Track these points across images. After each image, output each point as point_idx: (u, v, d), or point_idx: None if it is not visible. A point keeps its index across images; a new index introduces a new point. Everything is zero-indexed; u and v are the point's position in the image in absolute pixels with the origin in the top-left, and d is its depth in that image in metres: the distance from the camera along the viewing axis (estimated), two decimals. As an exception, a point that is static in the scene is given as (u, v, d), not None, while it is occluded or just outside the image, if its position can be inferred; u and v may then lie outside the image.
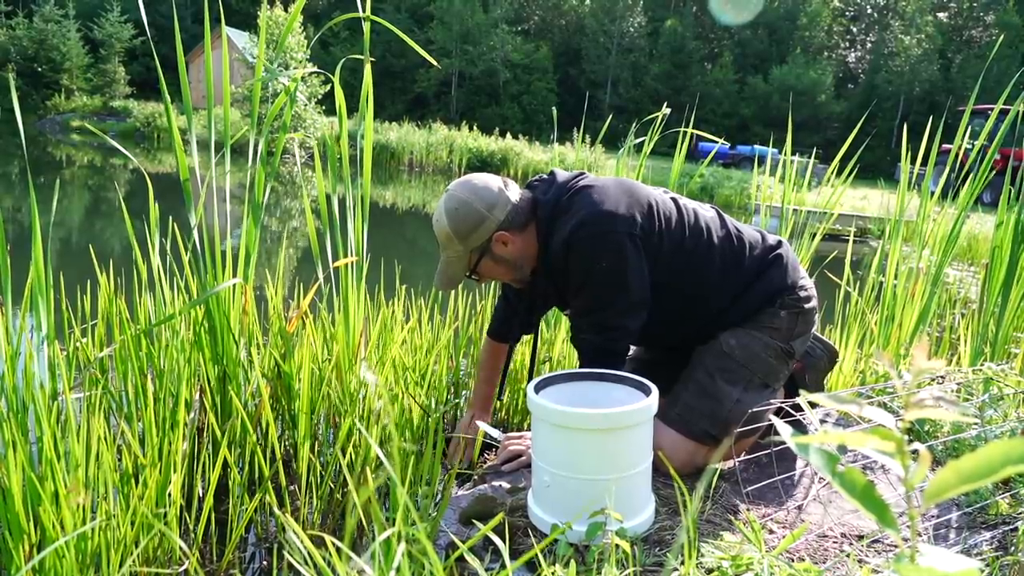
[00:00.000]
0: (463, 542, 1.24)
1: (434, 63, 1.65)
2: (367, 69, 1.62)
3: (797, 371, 1.72)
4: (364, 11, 1.62)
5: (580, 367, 1.52)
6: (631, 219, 1.45)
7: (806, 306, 1.60)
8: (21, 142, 1.38)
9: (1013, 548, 1.25)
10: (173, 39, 1.56)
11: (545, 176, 1.59)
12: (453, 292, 2.15)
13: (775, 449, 1.61)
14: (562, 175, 1.57)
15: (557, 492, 1.25)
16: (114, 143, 1.75)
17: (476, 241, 1.50)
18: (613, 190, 1.49)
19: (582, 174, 1.57)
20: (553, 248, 1.48)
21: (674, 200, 1.57)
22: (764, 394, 1.56)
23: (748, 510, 1.37)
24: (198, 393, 1.60)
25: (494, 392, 1.82)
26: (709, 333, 1.58)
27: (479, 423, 1.67)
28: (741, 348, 1.55)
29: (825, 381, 1.89)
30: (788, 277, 1.60)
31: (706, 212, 1.61)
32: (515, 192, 1.52)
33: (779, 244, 1.63)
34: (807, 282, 1.64)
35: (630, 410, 1.21)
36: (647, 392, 1.30)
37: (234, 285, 1.60)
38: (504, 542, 1.22)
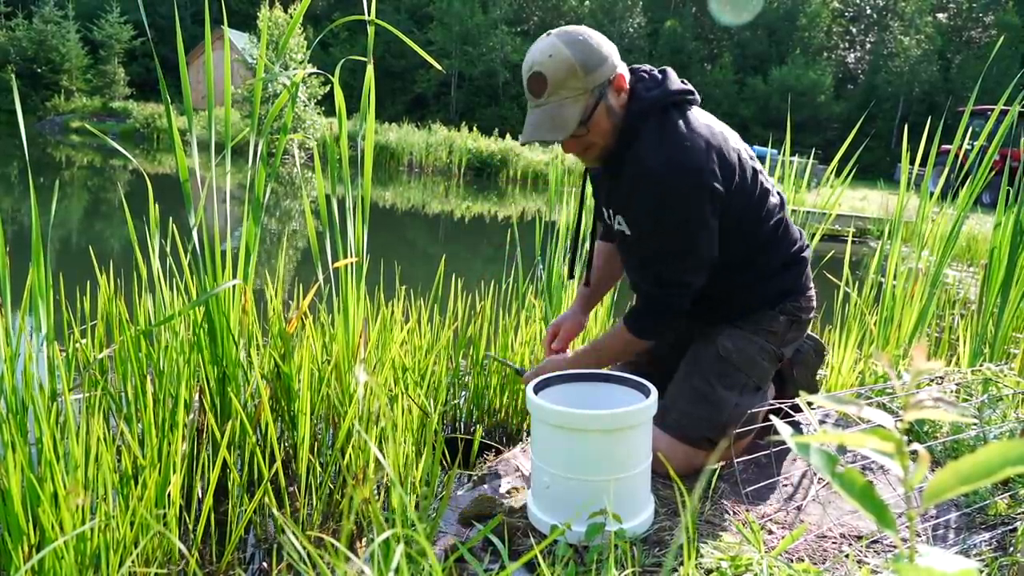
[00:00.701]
0: (462, 543, 1.24)
1: (436, 65, 1.65)
2: (369, 71, 1.62)
3: (785, 367, 1.72)
4: (367, 13, 1.62)
5: (634, 314, 1.50)
6: (717, 175, 1.39)
7: (804, 316, 1.61)
8: (22, 143, 1.38)
9: (1012, 549, 1.25)
10: (172, 40, 1.56)
11: (655, 70, 1.48)
12: (452, 293, 2.15)
13: (774, 450, 1.61)
14: (674, 81, 1.46)
15: (556, 493, 1.25)
16: (114, 144, 1.75)
17: (600, 77, 1.37)
18: (710, 134, 1.42)
19: (691, 92, 1.47)
20: (630, 154, 1.41)
21: (753, 169, 1.52)
22: (757, 396, 1.57)
23: (747, 511, 1.37)
24: (197, 394, 1.60)
25: (595, 293, 1.81)
26: (715, 309, 1.57)
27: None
28: (738, 352, 1.54)
29: (817, 377, 1.89)
30: (801, 282, 1.60)
31: (773, 197, 1.56)
32: None
33: (807, 247, 1.64)
34: (812, 294, 1.65)
35: (630, 411, 1.21)
36: (647, 393, 1.30)
37: (234, 286, 1.60)
38: (503, 543, 1.22)
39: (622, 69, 1.42)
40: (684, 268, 1.44)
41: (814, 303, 1.65)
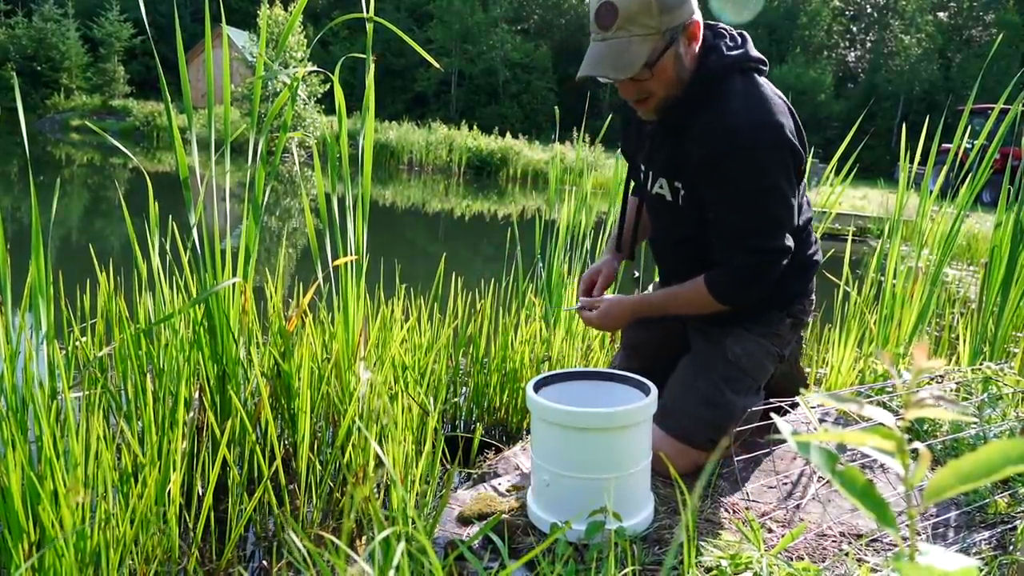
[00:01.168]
0: (462, 541, 1.24)
1: (436, 65, 1.64)
2: (369, 70, 1.62)
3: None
4: (367, 12, 1.62)
5: (722, 280, 1.41)
6: (796, 143, 1.34)
7: (806, 319, 1.62)
8: (23, 140, 1.38)
9: (1012, 547, 1.25)
10: (172, 38, 1.56)
11: (735, 32, 1.41)
12: (452, 291, 2.15)
13: (774, 448, 1.61)
14: (752, 47, 1.39)
15: (556, 491, 1.24)
16: (115, 142, 1.74)
17: (675, 20, 1.28)
18: (787, 108, 1.36)
19: (766, 62, 1.41)
20: (708, 114, 1.33)
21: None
22: (758, 396, 1.58)
23: (747, 509, 1.37)
24: (197, 392, 1.60)
25: (626, 242, 1.71)
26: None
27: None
28: (747, 356, 1.53)
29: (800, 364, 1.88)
30: (809, 286, 1.60)
31: (805, 195, 1.53)
32: None
33: (819, 251, 1.62)
34: (813, 297, 1.64)
35: (630, 409, 1.21)
36: (646, 391, 1.30)
37: (234, 284, 1.60)
38: (503, 541, 1.22)
39: (699, 18, 1.33)
40: (780, 233, 1.35)
41: (814, 304, 1.65)
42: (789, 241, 1.38)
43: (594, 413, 1.19)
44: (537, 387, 1.32)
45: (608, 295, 1.62)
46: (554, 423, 1.22)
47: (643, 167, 1.53)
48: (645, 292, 1.62)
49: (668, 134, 1.43)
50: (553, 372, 1.39)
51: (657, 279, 1.77)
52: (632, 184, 1.70)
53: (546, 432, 1.25)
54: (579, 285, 1.68)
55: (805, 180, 1.49)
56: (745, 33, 1.42)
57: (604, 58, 1.29)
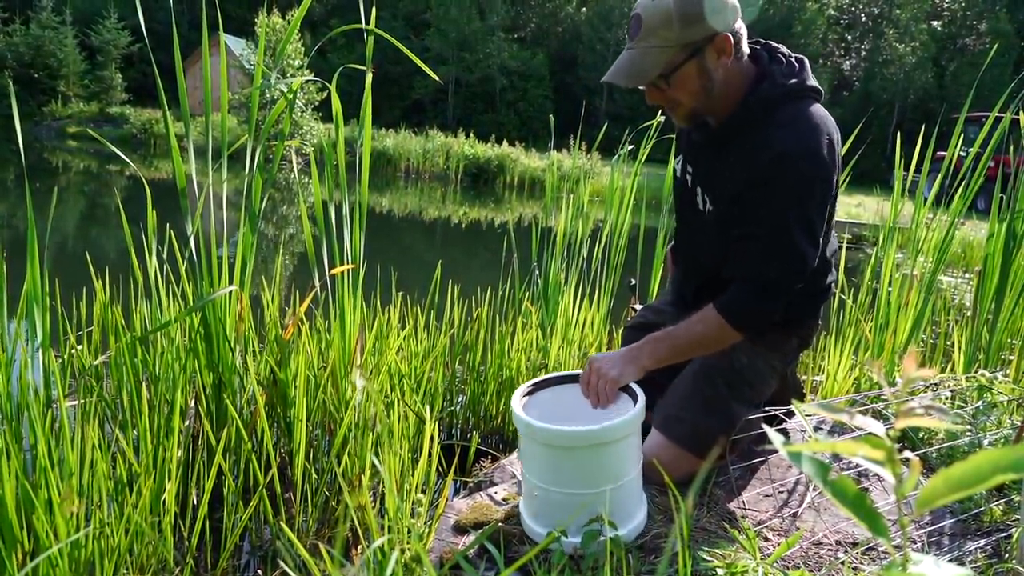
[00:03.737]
0: (458, 550, 1.23)
1: (435, 77, 1.65)
2: (368, 81, 1.62)
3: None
4: (366, 21, 1.63)
5: (739, 303, 1.39)
6: (835, 181, 1.40)
7: (810, 340, 1.64)
8: (19, 147, 1.38)
9: (1007, 555, 1.26)
10: (169, 45, 1.57)
11: (793, 56, 1.42)
12: (448, 299, 2.15)
13: (770, 456, 1.61)
14: (810, 74, 1.40)
15: (547, 505, 1.23)
16: (114, 148, 1.74)
17: (697, 34, 1.29)
18: (833, 140, 1.39)
19: (820, 92, 1.42)
20: (760, 135, 1.34)
21: None
22: (755, 409, 1.59)
23: (743, 517, 1.37)
24: (193, 400, 1.59)
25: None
26: None
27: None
28: (752, 368, 1.54)
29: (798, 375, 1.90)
30: (818, 311, 1.62)
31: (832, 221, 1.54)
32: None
33: (835, 280, 1.64)
34: (820, 321, 1.66)
35: (616, 424, 1.18)
36: (634, 397, 1.28)
37: (230, 292, 1.60)
38: (499, 550, 1.22)
39: (739, 31, 1.33)
40: (801, 266, 1.36)
41: (820, 327, 1.67)
42: (805, 274, 1.38)
43: (578, 432, 1.16)
44: (527, 393, 1.30)
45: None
46: (540, 442, 1.20)
47: (690, 168, 1.55)
48: (651, 335, 1.49)
49: (713, 149, 1.46)
50: (541, 378, 1.37)
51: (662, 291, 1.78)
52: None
53: (533, 450, 1.22)
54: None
55: (835, 212, 1.50)
56: (804, 59, 1.43)
57: (622, 67, 1.32)
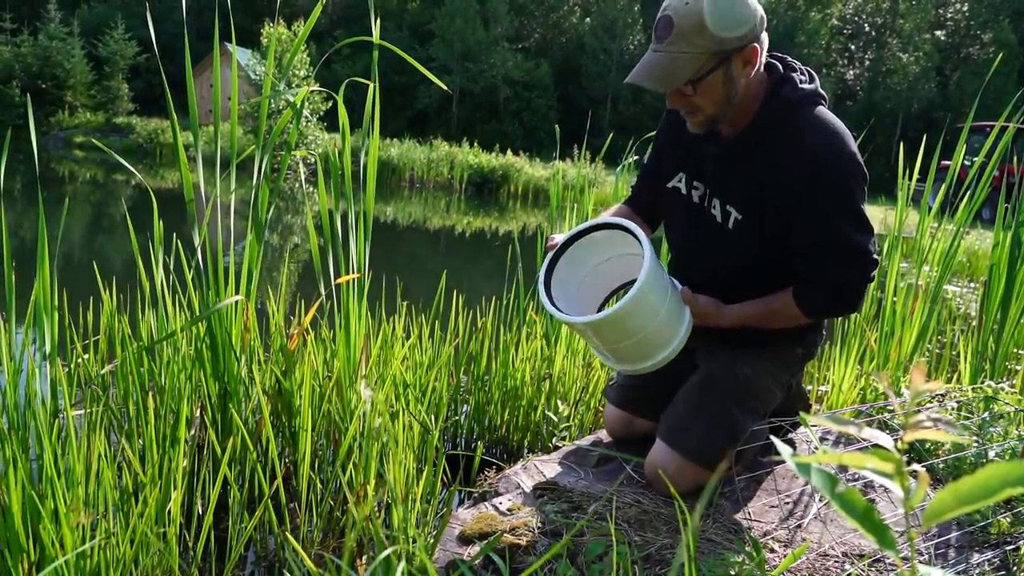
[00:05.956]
0: (463, 561, 1.23)
1: (442, 85, 1.66)
2: (374, 92, 1.63)
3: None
4: (373, 34, 1.64)
5: (817, 296, 1.44)
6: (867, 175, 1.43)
7: (815, 351, 1.64)
8: (29, 157, 1.40)
9: (1015, 568, 1.25)
10: (175, 56, 1.58)
11: (804, 68, 1.46)
12: (453, 308, 2.16)
13: (775, 467, 1.61)
14: (819, 83, 1.45)
15: (622, 353, 1.44)
16: (120, 159, 1.76)
17: (728, 43, 1.30)
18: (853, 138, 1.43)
19: (827, 99, 1.47)
20: (789, 144, 1.37)
21: None
22: (759, 421, 1.58)
23: (749, 529, 1.36)
24: (199, 410, 1.60)
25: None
26: (744, 334, 1.54)
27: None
28: (755, 379, 1.53)
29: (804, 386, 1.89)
30: (823, 321, 1.62)
31: None
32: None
33: None
34: (824, 332, 1.66)
35: (635, 298, 1.31)
36: (638, 238, 1.38)
37: (236, 302, 1.61)
38: (504, 561, 1.22)
39: (761, 42, 1.35)
40: (870, 248, 1.39)
41: (824, 338, 1.67)
42: (871, 265, 1.42)
43: (600, 319, 1.35)
44: (546, 282, 1.47)
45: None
46: (578, 330, 1.43)
47: (699, 184, 1.53)
48: (745, 303, 1.53)
49: (736, 159, 1.45)
50: (552, 255, 1.50)
51: None
52: (638, 191, 1.70)
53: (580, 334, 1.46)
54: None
55: None
56: (812, 71, 1.47)
57: (652, 69, 1.33)
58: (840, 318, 2.45)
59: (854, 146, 1.39)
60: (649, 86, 1.34)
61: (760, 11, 1.33)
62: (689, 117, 1.42)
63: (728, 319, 1.49)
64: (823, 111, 1.41)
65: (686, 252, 1.60)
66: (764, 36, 1.35)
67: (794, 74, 1.42)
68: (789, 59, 1.46)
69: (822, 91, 1.44)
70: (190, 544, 1.40)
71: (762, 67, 1.40)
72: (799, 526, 1.39)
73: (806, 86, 1.41)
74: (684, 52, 1.30)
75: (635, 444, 1.69)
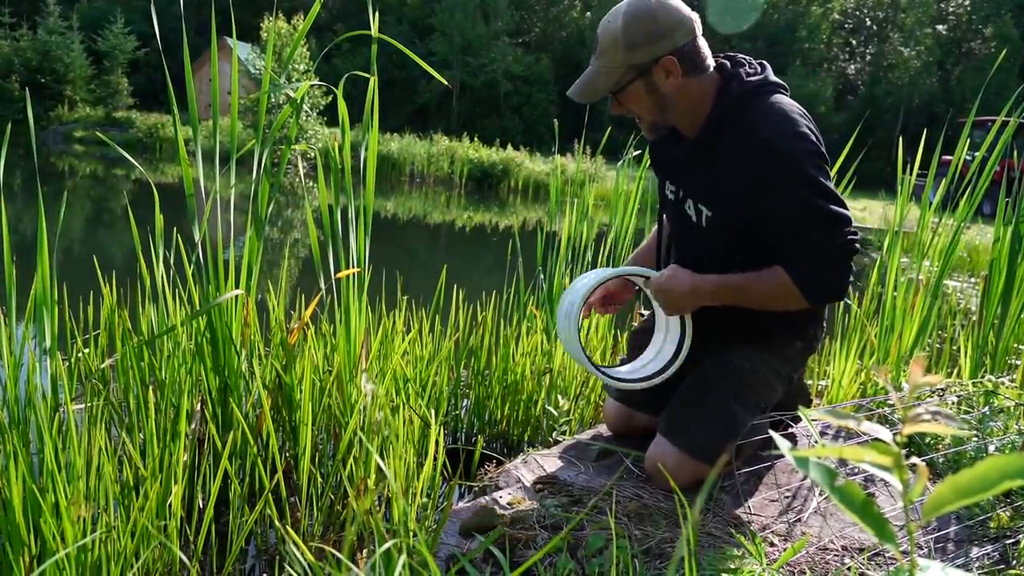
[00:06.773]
0: (463, 554, 1.24)
1: (442, 80, 1.65)
2: (374, 86, 1.63)
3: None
4: (371, 27, 1.63)
5: (809, 273, 1.40)
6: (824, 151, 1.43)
7: (815, 344, 1.63)
8: (28, 152, 1.39)
9: (1015, 561, 1.25)
10: (175, 51, 1.58)
11: (756, 62, 1.50)
12: (453, 303, 2.16)
13: (775, 461, 1.61)
14: (772, 75, 1.48)
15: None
16: (122, 151, 1.75)
17: (640, 57, 1.38)
18: (807, 119, 1.44)
19: (786, 87, 1.50)
20: (740, 138, 1.40)
21: None
22: (761, 415, 1.58)
23: (749, 523, 1.36)
24: (199, 404, 1.60)
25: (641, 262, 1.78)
26: (742, 327, 1.54)
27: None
28: (754, 372, 1.54)
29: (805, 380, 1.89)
30: (821, 312, 1.62)
31: None
32: (702, 39, 1.43)
33: None
34: (825, 324, 1.66)
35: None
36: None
37: (236, 296, 1.61)
38: (504, 555, 1.22)
39: (692, 50, 1.40)
40: (845, 222, 1.37)
41: (825, 331, 1.67)
42: (849, 227, 1.39)
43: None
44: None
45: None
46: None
47: (672, 186, 1.60)
48: (726, 276, 1.52)
49: (697, 158, 1.49)
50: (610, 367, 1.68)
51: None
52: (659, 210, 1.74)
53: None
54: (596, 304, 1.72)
55: None
56: (765, 62, 1.50)
57: (585, 82, 1.45)
58: (840, 304, 2.45)
59: (808, 127, 1.40)
60: (577, 99, 1.45)
61: (686, 22, 1.39)
62: (639, 123, 1.51)
63: (708, 287, 1.46)
64: (778, 99, 1.43)
65: (678, 251, 1.66)
66: (699, 43, 1.42)
67: (741, 69, 1.46)
68: (739, 56, 1.50)
69: (775, 79, 1.46)
70: (191, 538, 1.41)
71: (708, 69, 1.44)
72: (799, 520, 1.40)
73: (753, 78, 1.44)
74: (604, 67, 1.41)
75: (635, 439, 1.69)
